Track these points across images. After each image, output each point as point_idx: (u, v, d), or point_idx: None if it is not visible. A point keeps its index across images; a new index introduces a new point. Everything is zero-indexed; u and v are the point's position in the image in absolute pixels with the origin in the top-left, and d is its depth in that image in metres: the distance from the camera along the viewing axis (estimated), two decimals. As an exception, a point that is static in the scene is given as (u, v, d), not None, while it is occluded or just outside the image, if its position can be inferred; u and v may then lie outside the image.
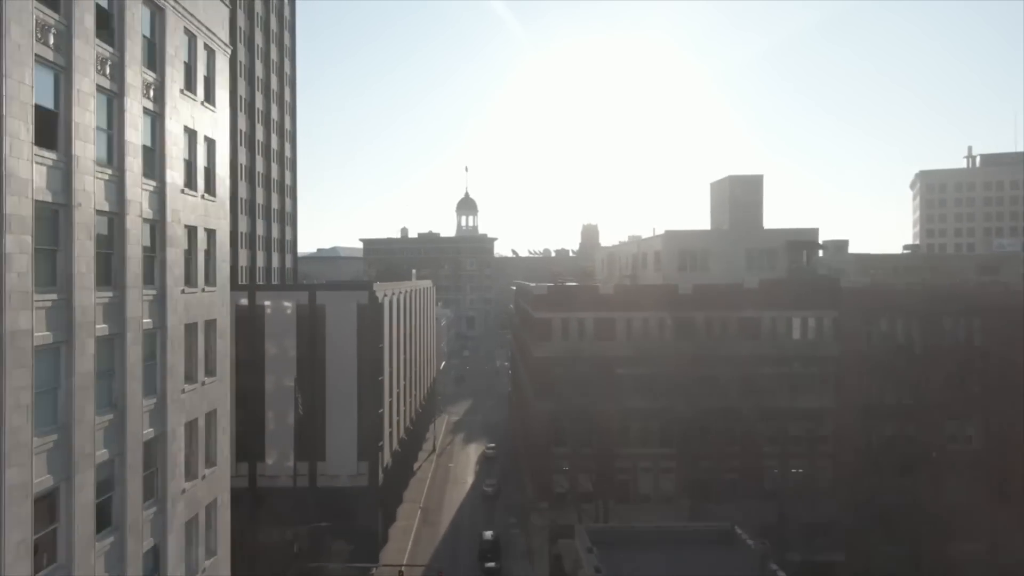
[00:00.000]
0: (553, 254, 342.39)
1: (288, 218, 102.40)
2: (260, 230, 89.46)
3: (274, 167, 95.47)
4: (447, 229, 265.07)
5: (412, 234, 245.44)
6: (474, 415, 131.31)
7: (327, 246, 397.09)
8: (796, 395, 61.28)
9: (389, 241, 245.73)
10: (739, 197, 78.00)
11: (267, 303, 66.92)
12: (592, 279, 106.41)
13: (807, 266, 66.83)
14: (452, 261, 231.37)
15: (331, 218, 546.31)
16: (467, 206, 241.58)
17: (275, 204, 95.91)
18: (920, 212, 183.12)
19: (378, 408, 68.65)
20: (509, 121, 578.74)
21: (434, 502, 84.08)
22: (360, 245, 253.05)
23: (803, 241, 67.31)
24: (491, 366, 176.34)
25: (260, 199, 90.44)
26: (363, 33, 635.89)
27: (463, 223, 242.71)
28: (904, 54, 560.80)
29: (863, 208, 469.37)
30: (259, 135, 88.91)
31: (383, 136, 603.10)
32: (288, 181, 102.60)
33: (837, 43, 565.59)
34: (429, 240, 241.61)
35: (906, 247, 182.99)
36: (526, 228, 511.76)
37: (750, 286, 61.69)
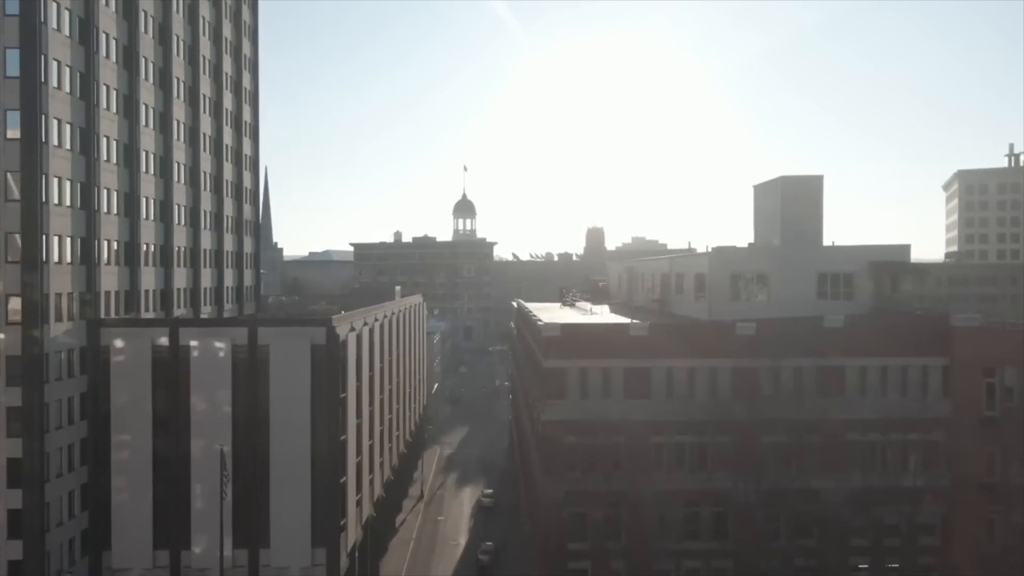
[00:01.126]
0: (556, 258, 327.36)
1: (248, 227, 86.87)
2: (208, 242, 73.92)
3: (228, 167, 79.93)
4: (445, 233, 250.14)
5: (407, 238, 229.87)
6: (470, 447, 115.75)
7: (320, 249, 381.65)
8: (893, 470, 45.83)
9: (381, 246, 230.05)
10: (793, 204, 62.54)
11: (193, 343, 51.38)
12: (607, 297, 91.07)
13: (897, 295, 51.32)
14: (448, 267, 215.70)
15: (328, 220, 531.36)
16: (465, 208, 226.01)
17: (229, 211, 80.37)
18: (959, 215, 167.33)
19: (339, 476, 53.18)
20: (509, 122, 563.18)
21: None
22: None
23: (890, 262, 51.83)
24: (490, 384, 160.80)
25: (210, 205, 74.97)
26: (361, 34, 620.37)
27: (460, 227, 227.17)
28: (905, 54, 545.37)
29: (865, 209, 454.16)
30: (205, 127, 73.34)
31: (381, 138, 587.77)
32: (248, 184, 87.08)
33: (837, 43, 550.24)
34: (424, 245, 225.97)
35: (948, 255, 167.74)
36: (526, 231, 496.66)
37: (832, 324, 46.19)
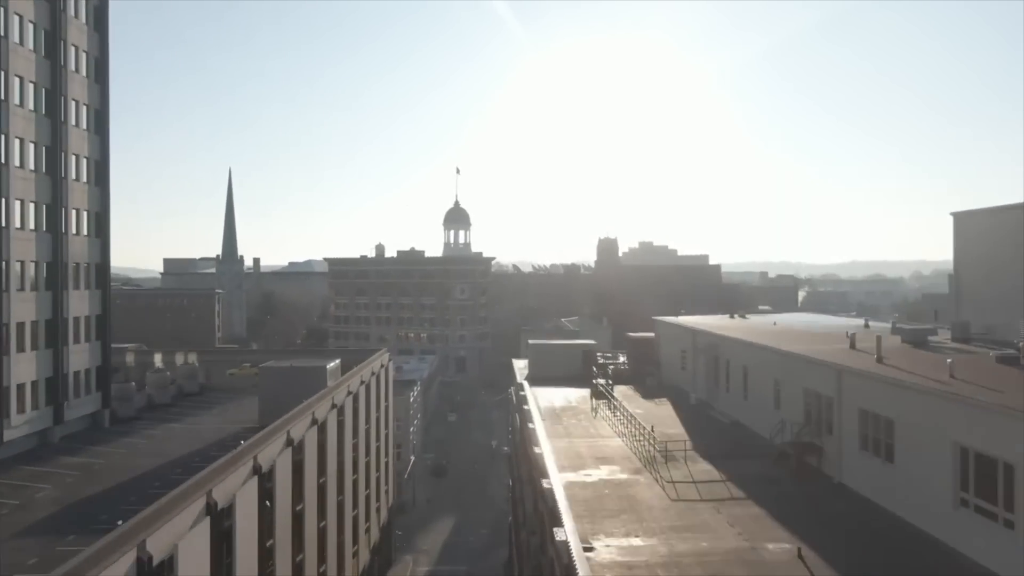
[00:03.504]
0: (562, 270, 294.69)
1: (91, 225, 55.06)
2: None
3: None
4: (435, 246, 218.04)
5: (394, 250, 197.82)
6: (456, 556, 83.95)
7: (301, 259, 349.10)
8: None
9: (360, 262, 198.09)
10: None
11: None
12: (656, 372, 59.11)
13: None
14: (438, 287, 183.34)
15: (320, 226, 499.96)
16: (457, 218, 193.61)
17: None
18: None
19: None
20: (506, 126, 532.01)
21: None
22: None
23: None
24: (485, 442, 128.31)
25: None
26: (359, 36, 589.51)
27: (452, 239, 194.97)
28: (904, 53, 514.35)
29: (861, 205, 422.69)
30: None
31: (375, 142, 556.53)
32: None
33: (837, 42, 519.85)
34: (409, 261, 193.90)
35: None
36: (526, 241, 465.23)
37: None
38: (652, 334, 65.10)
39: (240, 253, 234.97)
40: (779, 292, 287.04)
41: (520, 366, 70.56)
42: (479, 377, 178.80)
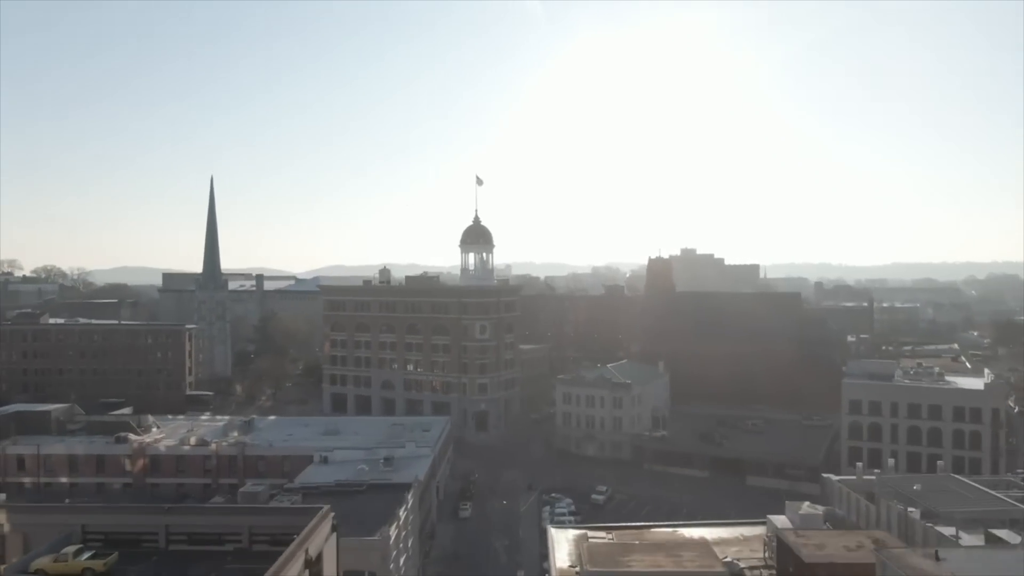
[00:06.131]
0: (603, 290, 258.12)
1: None
2: None
3: None
4: (453, 263, 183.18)
5: (410, 265, 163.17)
6: None
7: (323, 266, 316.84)
8: None
9: (359, 290, 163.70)
10: None
11: None
12: None
13: None
14: (453, 324, 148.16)
15: (341, 235, 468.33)
16: (476, 237, 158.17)
17: None
18: None
19: None
20: (528, 133, 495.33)
21: None
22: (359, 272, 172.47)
23: None
24: (509, 559, 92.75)
25: None
26: (381, 41, 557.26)
27: (471, 262, 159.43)
28: (953, 48, 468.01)
29: (907, 209, 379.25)
30: None
31: (394, 151, 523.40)
32: None
33: (883, 38, 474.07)
34: (419, 290, 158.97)
35: None
36: (556, 245, 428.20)
37: None
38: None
39: (225, 276, 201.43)
40: (854, 315, 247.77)
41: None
42: (504, 437, 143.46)
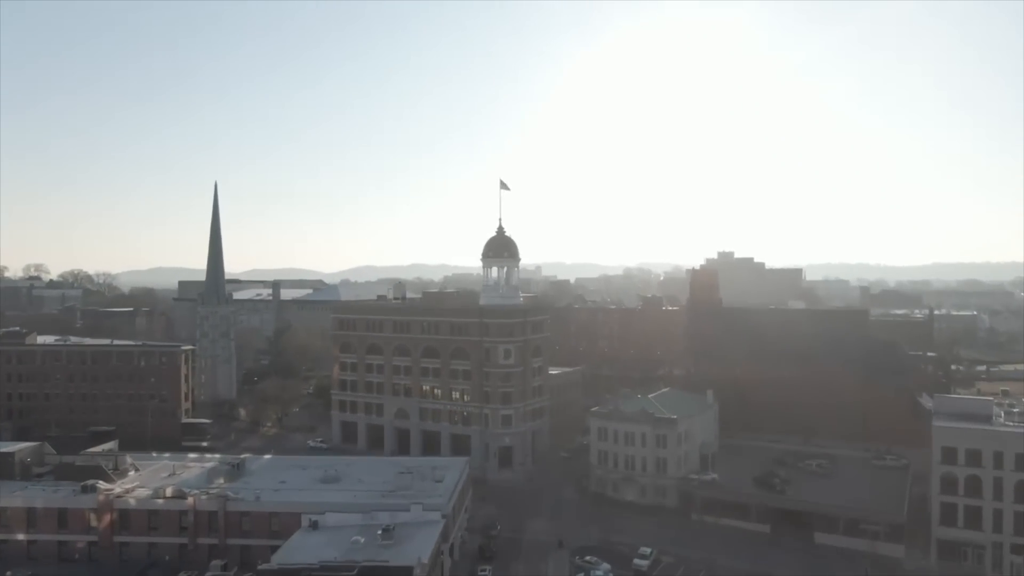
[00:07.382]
0: (637, 297, 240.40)
1: None
2: None
3: None
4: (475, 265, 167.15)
5: (438, 266, 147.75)
6: None
7: (346, 267, 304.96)
8: None
9: (370, 307, 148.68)
10: None
11: None
12: None
13: None
14: (475, 348, 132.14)
15: (367, 237, 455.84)
16: (501, 249, 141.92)
17: None
18: None
19: None
20: (560, 140, 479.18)
21: None
22: (384, 273, 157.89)
23: None
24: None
25: None
26: (408, 47, 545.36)
27: (494, 277, 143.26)
28: (991, 49, 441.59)
29: (945, 207, 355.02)
30: None
31: (422, 153, 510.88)
32: None
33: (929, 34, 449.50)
34: (437, 309, 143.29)
35: None
36: (586, 245, 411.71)
37: None
38: None
39: (237, 284, 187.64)
40: (912, 328, 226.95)
41: None
42: (531, 475, 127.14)
